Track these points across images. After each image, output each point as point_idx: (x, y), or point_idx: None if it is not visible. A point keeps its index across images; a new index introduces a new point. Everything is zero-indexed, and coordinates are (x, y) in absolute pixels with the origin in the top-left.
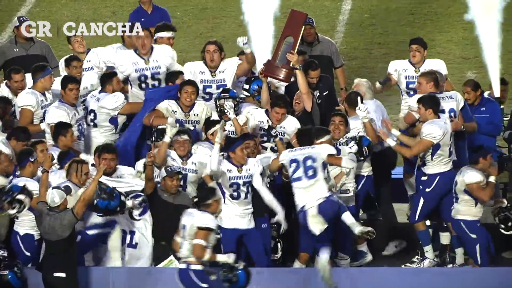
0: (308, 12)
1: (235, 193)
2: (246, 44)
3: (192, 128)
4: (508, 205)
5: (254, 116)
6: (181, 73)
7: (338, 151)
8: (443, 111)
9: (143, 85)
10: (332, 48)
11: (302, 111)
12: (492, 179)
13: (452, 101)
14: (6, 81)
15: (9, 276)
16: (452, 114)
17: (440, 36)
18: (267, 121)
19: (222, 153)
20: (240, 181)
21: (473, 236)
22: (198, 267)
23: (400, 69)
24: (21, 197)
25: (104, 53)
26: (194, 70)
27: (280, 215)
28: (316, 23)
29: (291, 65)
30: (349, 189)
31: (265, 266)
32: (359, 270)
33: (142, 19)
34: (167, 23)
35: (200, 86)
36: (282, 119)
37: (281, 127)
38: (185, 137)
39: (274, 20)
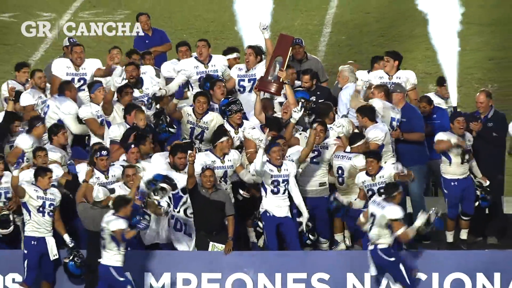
0: (295, 34)
1: (275, 189)
2: (265, 29)
3: (200, 130)
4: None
5: (251, 134)
6: (220, 80)
7: (319, 152)
8: (393, 119)
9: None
10: (318, 65)
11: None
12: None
13: (398, 113)
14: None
15: (69, 264)
16: (394, 123)
17: (406, 55)
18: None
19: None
20: (280, 179)
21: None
22: (384, 245)
23: (376, 77)
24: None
25: (179, 64)
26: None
27: (305, 216)
28: None
29: (280, 80)
30: (325, 182)
31: (297, 249)
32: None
33: (146, 41)
34: (232, 47)
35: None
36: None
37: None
38: (226, 138)
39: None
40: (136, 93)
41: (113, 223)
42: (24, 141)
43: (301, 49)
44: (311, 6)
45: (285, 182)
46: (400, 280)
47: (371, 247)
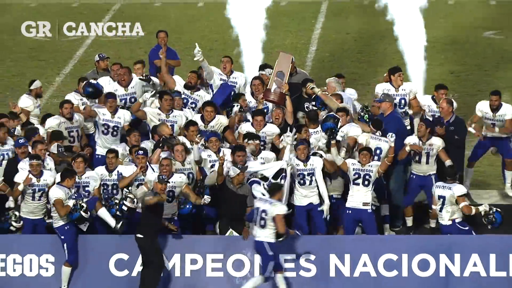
0: (286, 51)
1: (301, 181)
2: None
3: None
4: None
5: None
6: (243, 95)
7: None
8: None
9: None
10: (306, 77)
11: (283, 124)
12: None
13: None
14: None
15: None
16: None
17: (380, 69)
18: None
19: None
20: (305, 172)
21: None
22: (459, 219)
23: (385, 89)
24: None
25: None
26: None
27: (326, 205)
28: None
29: (283, 91)
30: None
31: (324, 234)
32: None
33: (156, 53)
34: (266, 64)
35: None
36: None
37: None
38: (257, 141)
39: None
40: (122, 91)
41: (277, 208)
42: None
43: (292, 64)
44: (299, 28)
45: (311, 175)
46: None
47: (448, 223)
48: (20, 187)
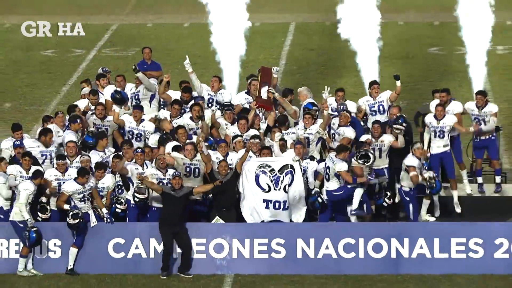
0: (259, 65)
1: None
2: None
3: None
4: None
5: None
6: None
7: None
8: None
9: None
10: (277, 88)
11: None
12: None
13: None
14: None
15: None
16: None
17: (339, 80)
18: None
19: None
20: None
21: None
22: (406, 188)
23: (365, 101)
24: None
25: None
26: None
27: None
28: None
29: (271, 99)
30: None
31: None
32: None
33: (144, 66)
34: (253, 74)
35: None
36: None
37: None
38: (257, 140)
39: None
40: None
41: (337, 166)
42: None
43: (273, 75)
44: (271, 45)
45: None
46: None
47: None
48: (54, 183)
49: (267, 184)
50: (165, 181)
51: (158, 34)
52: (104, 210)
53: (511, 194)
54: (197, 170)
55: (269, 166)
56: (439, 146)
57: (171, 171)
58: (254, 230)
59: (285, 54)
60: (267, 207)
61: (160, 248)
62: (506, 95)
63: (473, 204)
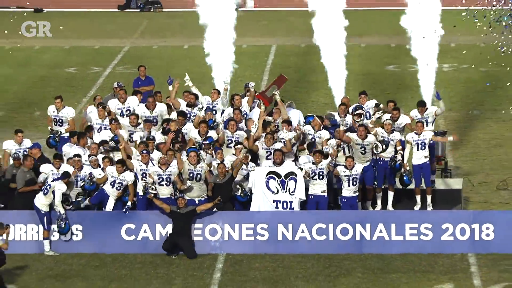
0: (245, 81)
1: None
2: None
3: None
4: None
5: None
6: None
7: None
8: None
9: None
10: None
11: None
12: None
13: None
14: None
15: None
16: None
17: (312, 92)
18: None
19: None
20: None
21: None
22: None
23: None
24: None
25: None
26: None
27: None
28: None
29: (272, 98)
30: None
31: None
32: None
33: (139, 83)
34: (248, 83)
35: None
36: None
37: None
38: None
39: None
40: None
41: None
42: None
43: (251, 91)
44: (255, 63)
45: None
46: None
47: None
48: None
49: (276, 187)
50: (164, 177)
51: (162, 54)
52: (129, 203)
53: (456, 187)
54: (199, 175)
55: (276, 173)
56: (420, 157)
57: (170, 169)
58: (242, 217)
59: (267, 71)
60: (276, 207)
61: (164, 232)
62: (450, 105)
63: (424, 195)
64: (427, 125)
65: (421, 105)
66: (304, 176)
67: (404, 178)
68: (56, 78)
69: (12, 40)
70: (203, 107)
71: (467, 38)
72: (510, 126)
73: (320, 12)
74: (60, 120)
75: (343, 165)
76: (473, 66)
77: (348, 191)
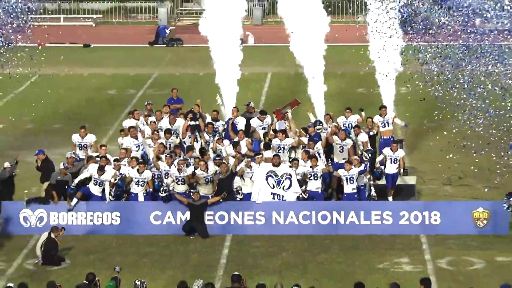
0: (247, 101)
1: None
2: (221, 105)
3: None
4: None
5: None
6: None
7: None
8: None
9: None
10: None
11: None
12: None
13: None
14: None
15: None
16: None
17: (299, 107)
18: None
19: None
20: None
21: None
22: None
23: (343, 121)
24: None
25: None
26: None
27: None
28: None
29: (284, 115)
30: None
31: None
32: None
33: (172, 101)
34: (249, 102)
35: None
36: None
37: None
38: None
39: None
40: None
41: None
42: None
43: (250, 107)
44: (255, 87)
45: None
46: None
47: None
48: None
49: (273, 184)
50: (180, 178)
51: (182, 80)
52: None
53: (411, 183)
54: (211, 179)
55: (274, 172)
56: (392, 169)
57: (183, 173)
58: (244, 206)
59: (265, 93)
60: (273, 198)
61: (183, 218)
62: (405, 119)
63: (385, 190)
64: (388, 126)
65: (383, 107)
66: (304, 173)
67: (375, 171)
68: (100, 98)
69: (66, 69)
70: (223, 126)
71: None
72: (453, 136)
73: (304, 47)
74: (85, 146)
75: (342, 165)
76: (421, 87)
77: (347, 188)
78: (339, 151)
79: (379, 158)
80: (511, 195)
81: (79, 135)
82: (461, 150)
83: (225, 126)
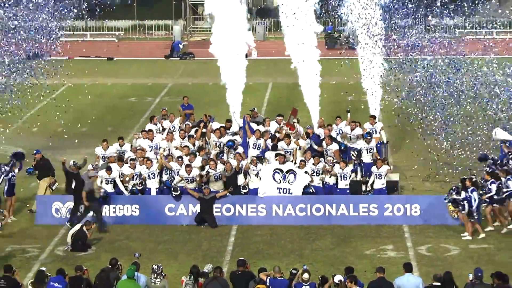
0: (250, 106)
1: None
2: (234, 115)
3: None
4: None
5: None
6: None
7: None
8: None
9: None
10: (260, 118)
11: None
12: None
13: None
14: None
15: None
16: None
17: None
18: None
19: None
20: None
21: None
22: None
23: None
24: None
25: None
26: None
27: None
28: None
29: (291, 122)
30: None
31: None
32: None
33: (184, 107)
34: (253, 108)
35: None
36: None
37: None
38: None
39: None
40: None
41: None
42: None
43: (254, 112)
44: (258, 94)
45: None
46: None
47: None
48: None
49: (279, 179)
50: (189, 178)
51: (194, 89)
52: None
53: (394, 179)
54: (219, 176)
55: (280, 169)
56: (379, 185)
57: (192, 174)
58: (248, 199)
59: (266, 100)
60: (279, 192)
61: (194, 210)
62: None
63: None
64: (376, 134)
65: (372, 117)
66: (306, 172)
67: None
68: (122, 105)
69: (92, 79)
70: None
71: None
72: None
73: (301, 60)
74: (107, 157)
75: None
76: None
77: (341, 184)
78: (326, 154)
79: (370, 181)
80: (454, 190)
81: (101, 147)
82: (440, 151)
83: (242, 126)
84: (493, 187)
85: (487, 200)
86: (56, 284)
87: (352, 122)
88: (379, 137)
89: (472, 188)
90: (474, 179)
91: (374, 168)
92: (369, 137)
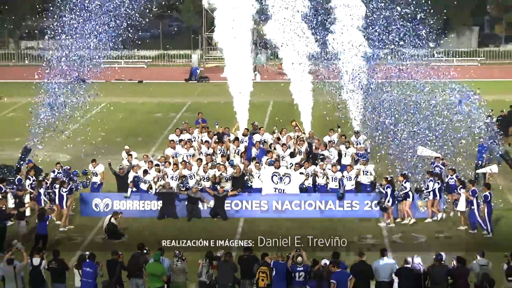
0: (252, 121)
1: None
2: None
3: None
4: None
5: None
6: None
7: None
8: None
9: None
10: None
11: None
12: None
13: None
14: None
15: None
16: None
17: (291, 126)
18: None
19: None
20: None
21: None
22: None
23: (328, 139)
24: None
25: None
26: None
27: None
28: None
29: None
30: None
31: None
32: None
33: (199, 121)
34: (254, 122)
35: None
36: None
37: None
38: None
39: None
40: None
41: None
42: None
43: (255, 125)
44: (261, 111)
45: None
46: None
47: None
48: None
49: (276, 180)
50: (205, 176)
51: (209, 106)
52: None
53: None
54: (230, 177)
55: (277, 172)
56: (365, 180)
57: (208, 173)
58: (253, 197)
59: (267, 116)
60: (275, 191)
61: (205, 206)
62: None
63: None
64: (360, 144)
65: (357, 133)
66: (301, 173)
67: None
68: (149, 119)
69: (125, 98)
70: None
71: None
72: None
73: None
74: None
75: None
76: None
77: (332, 185)
78: (318, 159)
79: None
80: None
81: (127, 158)
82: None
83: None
84: (431, 185)
85: (402, 196)
86: (87, 269)
87: (346, 142)
88: (363, 146)
89: (387, 185)
90: (389, 178)
91: (345, 172)
92: (365, 159)
